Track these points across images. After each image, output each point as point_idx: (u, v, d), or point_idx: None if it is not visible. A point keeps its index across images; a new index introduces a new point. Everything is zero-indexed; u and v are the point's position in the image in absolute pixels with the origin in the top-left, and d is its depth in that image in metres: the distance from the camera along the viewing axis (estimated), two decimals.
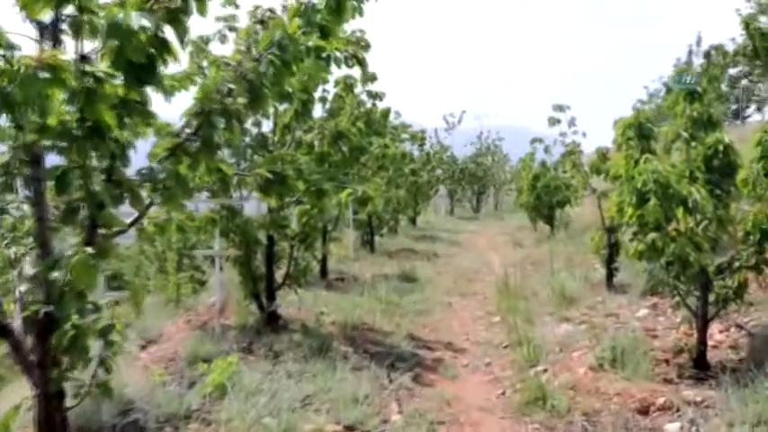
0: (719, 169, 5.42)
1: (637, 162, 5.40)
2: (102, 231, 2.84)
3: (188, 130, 2.90)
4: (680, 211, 5.06)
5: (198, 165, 2.91)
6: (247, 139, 7.15)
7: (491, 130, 35.63)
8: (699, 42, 20.79)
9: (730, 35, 18.64)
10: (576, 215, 17.91)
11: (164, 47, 2.65)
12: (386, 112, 10.09)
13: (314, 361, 5.72)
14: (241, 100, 2.90)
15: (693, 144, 5.44)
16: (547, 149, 10.32)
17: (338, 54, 4.84)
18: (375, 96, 8.35)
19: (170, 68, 2.84)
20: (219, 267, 6.78)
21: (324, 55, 4.51)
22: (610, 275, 9.24)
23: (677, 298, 5.54)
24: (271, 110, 6.84)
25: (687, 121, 5.39)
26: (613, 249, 9.18)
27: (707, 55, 18.28)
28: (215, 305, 6.77)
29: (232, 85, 2.88)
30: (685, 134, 5.38)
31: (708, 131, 5.35)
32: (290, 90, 3.82)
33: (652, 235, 5.20)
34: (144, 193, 2.90)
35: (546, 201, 16.89)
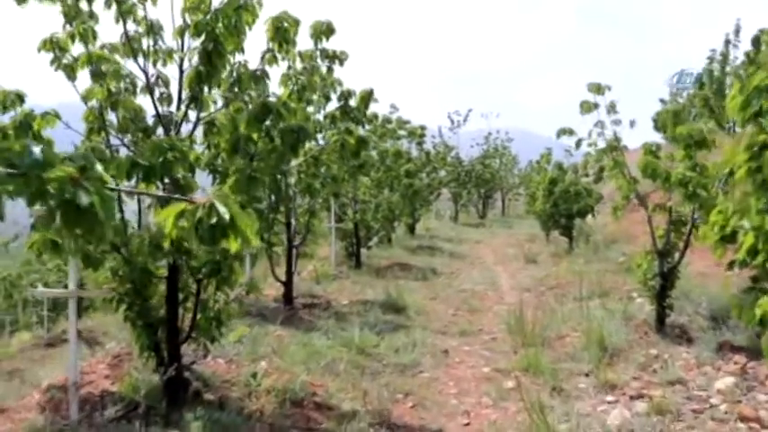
0: None
1: None
2: None
3: None
4: None
5: None
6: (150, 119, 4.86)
7: (499, 130, 33.20)
8: (737, 31, 18.36)
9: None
10: (599, 226, 15.51)
11: None
12: (366, 96, 7.70)
13: None
14: None
15: None
16: (578, 144, 7.97)
17: None
18: (332, 58, 5.90)
19: None
20: (75, 316, 4.36)
21: None
22: (661, 315, 6.82)
23: None
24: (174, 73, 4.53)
25: None
26: (668, 281, 6.77)
27: (755, 41, 15.81)
28: (71, 380, 4.34)
29: None
30: None
31: None
32: None
33: None
34: None
35: (564, 209, 14.50)
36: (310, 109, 7.28)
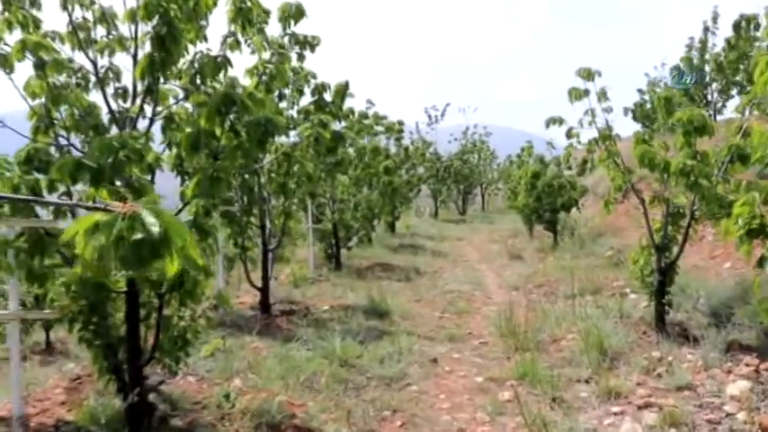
0: None
1: None
2: None
3: None
4: None
5: None
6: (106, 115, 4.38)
7: (477, 125, 32.91)
8: (715, 19, 18.13)
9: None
10: (583, 219, 15.22)
11: None
12: (342, 89, 7.24)
13: None
14: None
15: None
16: (569, 133, 7.60)
17: None
18: (303, 44, 5.40)
19: None
20: (18, 341, 3.86)
21: None
22: (661, 313, 6.46)
23: None
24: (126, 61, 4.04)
25: None
26: (666, 277, 6.41)
27: (736, 27, 15.57)
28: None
29: None
30: None
31: None
32: None
33: None
34: None
35: (547, 203, 14.17)
36: (283, 104, 6.81)
